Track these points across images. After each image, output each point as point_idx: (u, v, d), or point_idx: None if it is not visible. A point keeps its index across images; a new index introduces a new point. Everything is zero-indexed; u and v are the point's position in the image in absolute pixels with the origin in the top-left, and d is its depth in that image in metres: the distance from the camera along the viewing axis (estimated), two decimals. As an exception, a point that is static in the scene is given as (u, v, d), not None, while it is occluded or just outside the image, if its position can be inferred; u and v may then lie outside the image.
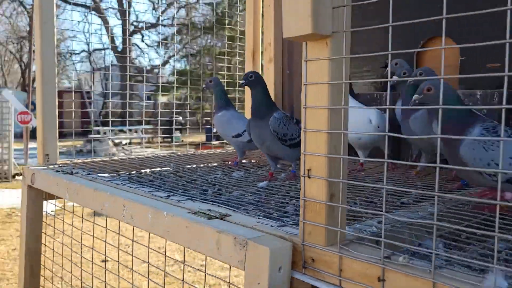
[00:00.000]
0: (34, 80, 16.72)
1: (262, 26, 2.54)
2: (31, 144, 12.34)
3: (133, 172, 1.80)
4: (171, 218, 1.02)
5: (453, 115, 1.12)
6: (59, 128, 2.00)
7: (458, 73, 1.90)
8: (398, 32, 2.04)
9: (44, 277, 1.90)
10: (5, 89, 12.93)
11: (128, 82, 2.56)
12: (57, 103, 1.89)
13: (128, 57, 2.99)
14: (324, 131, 0.81)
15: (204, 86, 2.10)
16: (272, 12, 2.43)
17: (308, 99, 0.84)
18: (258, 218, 1.03)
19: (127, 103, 2.55)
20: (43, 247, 1.85)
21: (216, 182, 1.57)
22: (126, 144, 17.12)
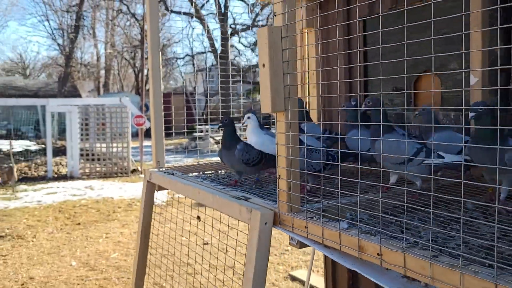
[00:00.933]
0: (146, 83, 18.91)
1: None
2: (145, 143, 14.29)
3: (211, 172, 2.77)
4: (220, 199, 1.93)
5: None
6: (167, 128, 2.72)
7: (440, 98, 2.55)
8: (400, 65, 2.73)
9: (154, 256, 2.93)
10: (124, 96, 14.92)
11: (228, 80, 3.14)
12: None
13: (227, 58, 3.74)
14: (284, 156, 1.65)
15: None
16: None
17: (279, 141, 1.68)
18: (262, 198, 1.91)
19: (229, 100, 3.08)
20: (155, 230, 2.86)
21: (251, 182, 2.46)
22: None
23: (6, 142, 17.15)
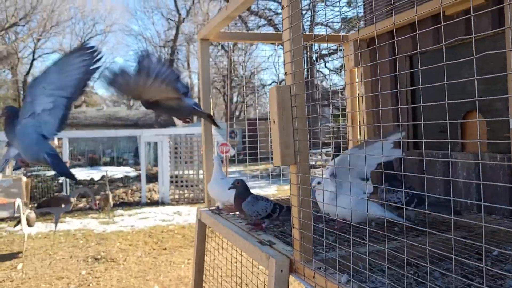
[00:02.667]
0: (232, 112, 19.76)
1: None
2: (231, 169, 14.85)
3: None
4: (247, 243, 2.05)
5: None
6: (254, 154, 2.88)
7: (486, 138, 2.45)
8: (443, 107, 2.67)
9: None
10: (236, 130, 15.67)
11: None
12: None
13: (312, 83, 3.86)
14: (296, 207, 1.73)
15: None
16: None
17: (292, 192, 1.77)
18: (286, 244, 1.99)
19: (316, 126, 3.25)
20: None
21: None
22: (312, 167, 18.40)
23: (109, 169, 18.85)
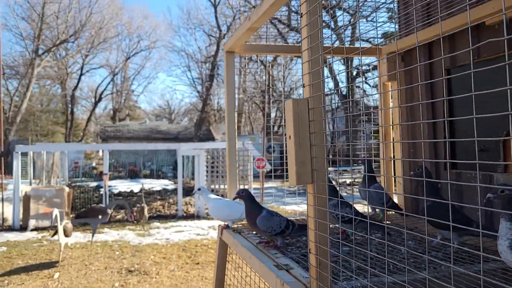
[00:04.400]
0: (271, 127, 19.71)
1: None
2: (266, 184, 14.74)
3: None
4: (263, 266, 1.93)
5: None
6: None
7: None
8: (484, 124, 2.47)
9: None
10: (246, 140, 15.70)
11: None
12: (237, 183, 2.99)
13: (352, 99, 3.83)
14: (313, 230, 1.60)
15: (235, 196, 2.63)
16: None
17: (309, 214, 1.64)
18: (304, 269, 1.85)
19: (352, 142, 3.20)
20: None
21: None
22: (349, 184, 18.06)
23: (148, 181, 19.17)
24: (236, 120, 3.00)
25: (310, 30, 1.56)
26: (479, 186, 2.51)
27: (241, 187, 13.17)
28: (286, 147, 1.66)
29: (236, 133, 3.01)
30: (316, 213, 1.56)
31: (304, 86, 1.62)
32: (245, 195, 2.50)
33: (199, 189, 2.98)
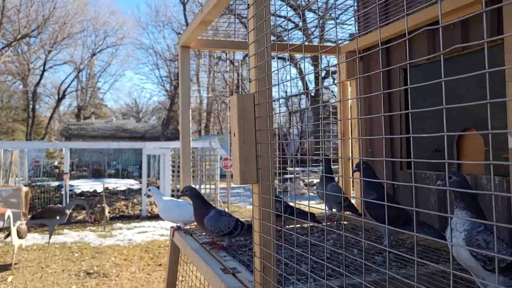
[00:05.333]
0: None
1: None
2: (232, 185, 14.61)
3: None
4: (210, 271, 1.83)
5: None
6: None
7: (483, 159, 2.22)
8: (438, 125, 2.46)
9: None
10: (213, 139, 15.55)
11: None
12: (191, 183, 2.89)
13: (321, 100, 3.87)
14: (257, 232, 1.52)
15: (179, 194, 2.57)
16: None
17: (254, 215, 1.56)
18: (249, 272, 1.77)
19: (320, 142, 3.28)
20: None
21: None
22: (315, 184, 18.09)
23: (113, 181, 18.72)
24: (190, 117, 2.90)
25: (256, 21, 1.48)
26: (433, 185, 2.50)
27: (207, 187, 13.03)
28: (230, 145, 1.58)
29: (191, 130, 2.92)
30: (261, 214, 1.48)
31: (250, 81, 1.54)
32: (190, 193, 2.40)
33: (149, 190, 2.87)
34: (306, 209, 2.22)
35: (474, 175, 2.29)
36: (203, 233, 2.65)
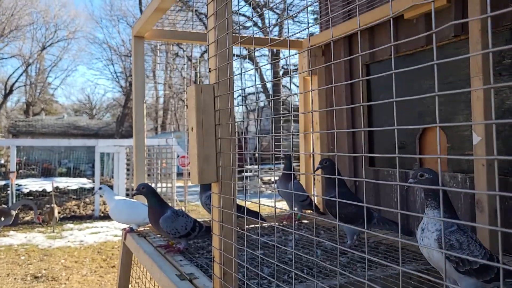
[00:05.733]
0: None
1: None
2: (190, 183, 14.35)
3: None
4: (164, 277, 1.69)
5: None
6: None
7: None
8: (401, 122, 2.42)
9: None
10: (170, 136, 15.27)
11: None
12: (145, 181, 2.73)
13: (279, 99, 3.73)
14: (217, 236, 1.39)
15: (134, 192, 2.39)
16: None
17: (213, 217, 1.43)
18: (207, 278, 1.64)
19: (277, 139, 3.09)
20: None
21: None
22: (274, 182, 18.15)
23: (64, 180, 17.97)
24: (145, 112, 2.73)
25: (216, 6, 1.35)
26: (396, 182, 2.46)
27: (163, 186, 12.73)
28: (188, 141, 1.44)
29: (146, 127, 2.75)
30: (221, 216, 1.36)
31: (210, 71, 1.41)
32: (146, 191, 2.24)
33: (100, 188, 2.68)
34: (256, 208, 2.11)
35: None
36: (158, 235, 2.49)
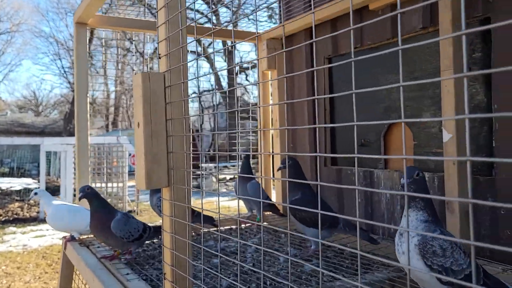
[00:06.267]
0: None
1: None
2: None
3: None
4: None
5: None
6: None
7: (413, 154, 2.09)
8: (365, 118, 2.32)
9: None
10: (119, 134, 14.75)
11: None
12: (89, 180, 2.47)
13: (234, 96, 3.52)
14: (169, 249, 1.20)
15: (80, 194, 2.13)
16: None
17: (164, 227, 1.24)
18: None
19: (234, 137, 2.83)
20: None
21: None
22: (230, 179, 18.03)
23: (7, 180, 16.97)
24: (88, 107, 2.47)
25: (167, -20, 1.15)
26: (359, 183, 2.35)
27: (114, 185, 12.24)
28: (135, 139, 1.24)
29: (89, 122, 2.49)
30: (174, 226, 1.16)
31: (160, 57, 1.20)
32: (91, 193, 2.01)
33: (35, 193, 2.40)
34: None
35: (402, 171, 2.16)
36: (103, 244, 2.24)
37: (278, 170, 2.09)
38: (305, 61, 2.74)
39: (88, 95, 2.43)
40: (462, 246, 1.20)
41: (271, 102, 2.97)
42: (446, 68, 1.70)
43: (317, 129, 1.49)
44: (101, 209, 1.98)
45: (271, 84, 2.97)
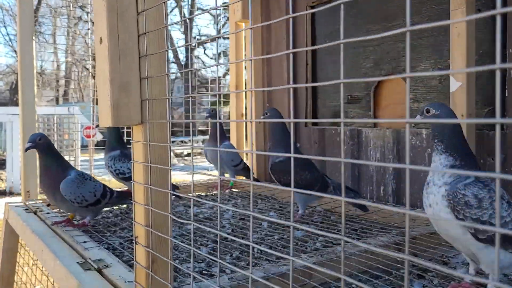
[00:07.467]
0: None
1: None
2: (96, 156, 13.28)
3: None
4: (61, 267, 1.19)
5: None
6: (128, 141, 2.16)
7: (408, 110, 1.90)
8: (363, 70, 2.10)
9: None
10: (72, 105, 13.99)
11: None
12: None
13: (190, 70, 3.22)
14: (142, 205, 0.93)
15: (28, 145, 1.78)
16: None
17: (135, 177, 0.96)
18: (125, 265, 1.17)
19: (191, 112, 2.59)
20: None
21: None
22: (187, 154, 17.64)
23: None
24: (35, 74, 2.14)
25: None
26: (345, 143, 2.15)
27: (67, 158, 11.64)
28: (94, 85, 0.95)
29: (36, 92, 2.16)
30: (149, 174, 0.90)
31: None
32: (43, 143, 1.69)
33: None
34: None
35: (396, 129, 1.98)
36: (55, 210, 1.93)
37: (261, 117, 1.84)
38: (285, 10, 2.48)
39: (34, 63, 2.09)
40: (506, 195, 1.01)
41: (244, 57, 2.70)
42: (457, 7, 1.50)
43: (300, 86, 1.24)
44: (52, 164, 1.66)
45: (244, 35, 2.70)
